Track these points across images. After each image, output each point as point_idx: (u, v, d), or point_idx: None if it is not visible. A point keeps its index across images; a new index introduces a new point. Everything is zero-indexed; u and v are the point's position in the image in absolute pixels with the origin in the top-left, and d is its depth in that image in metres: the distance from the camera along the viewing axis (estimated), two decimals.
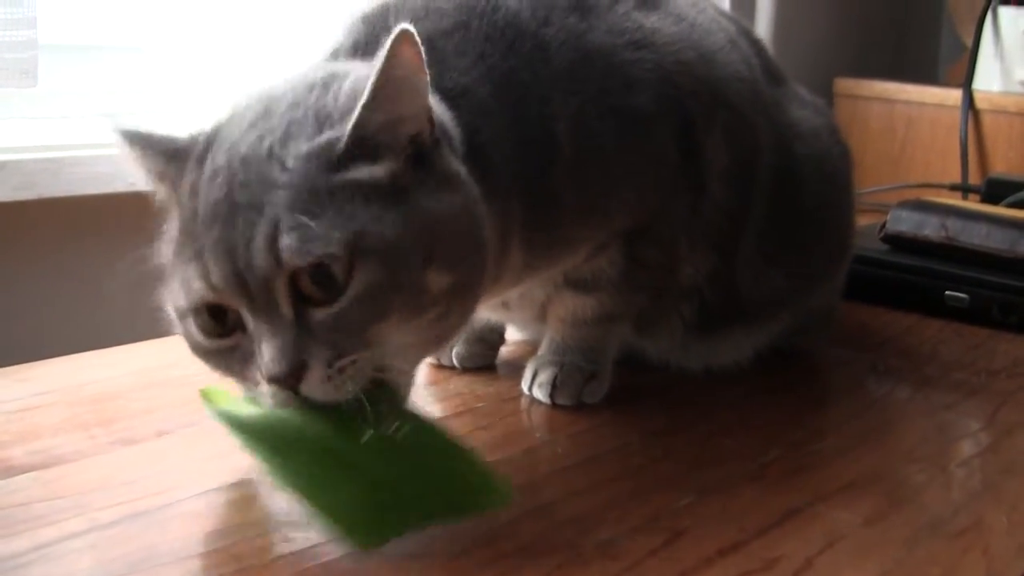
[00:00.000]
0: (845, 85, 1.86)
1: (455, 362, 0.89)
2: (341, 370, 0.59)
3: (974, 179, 1.68)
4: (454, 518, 0.61)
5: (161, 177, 0.65)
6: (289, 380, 0.58)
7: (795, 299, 0.93)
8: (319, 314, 0.59)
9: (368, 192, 0.59)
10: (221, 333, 0.61)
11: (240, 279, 0.58)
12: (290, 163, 0.59)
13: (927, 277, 1.13)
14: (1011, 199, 1.37)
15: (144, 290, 0.65)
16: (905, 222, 1.16)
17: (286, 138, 0.60)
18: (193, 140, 0.65)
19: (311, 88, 0.63)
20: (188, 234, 0.61)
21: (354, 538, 0.58)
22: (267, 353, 0.58)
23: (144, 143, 0.65)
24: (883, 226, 1.19)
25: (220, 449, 0.65)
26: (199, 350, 0.64)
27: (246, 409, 0.63)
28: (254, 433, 0.62)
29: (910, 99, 1.80)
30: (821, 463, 0.77)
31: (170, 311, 0.64)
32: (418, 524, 0.60)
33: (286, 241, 0.57)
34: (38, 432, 0.74)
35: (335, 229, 0.57)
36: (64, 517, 0.62)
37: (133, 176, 0.66)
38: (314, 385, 0.59)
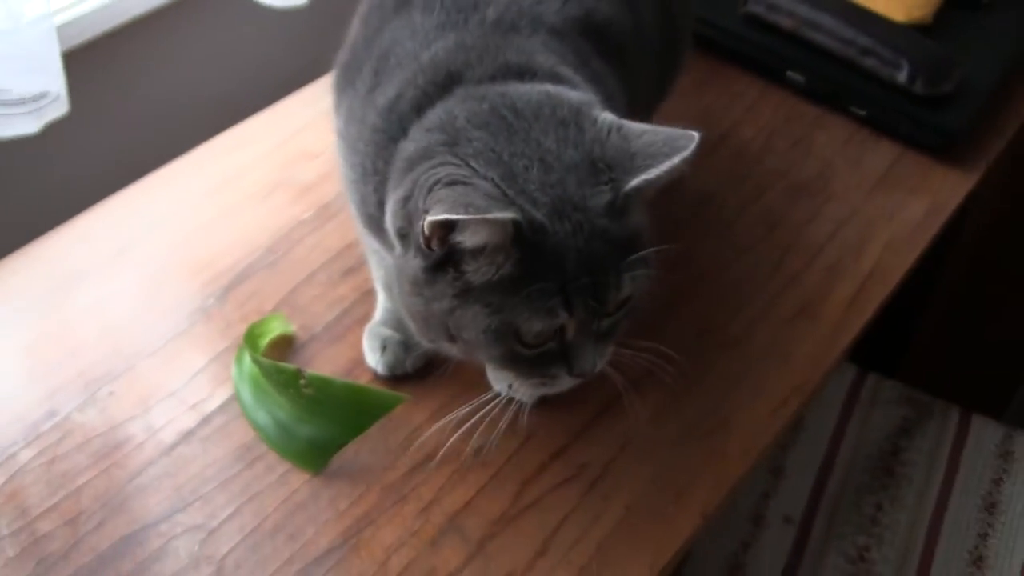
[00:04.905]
0: None
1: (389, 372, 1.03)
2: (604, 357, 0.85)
3: None
4: (367, 425, 0.96)
5: (495, 233, 0.74)
6: (592, 372, 0.83)
7: None
8: (606, 323, 0.82)
9: (640, 234, 0.80)
10: (538, 345, 0.80)
11: (592, 311, 0.79)
12: (603, 212, 0.76)
13: (773, 56, 1.36)
14: None
15: None
16: (762, 4, 1.35)
17: (582, 182, 0.76)
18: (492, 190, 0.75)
19: (564, 125, 0.79)
20: (548, 271, 0.75)
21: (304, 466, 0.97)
22: (590, 357, 0.82)
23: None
24: (747, 1, 1.37)
25: None
26: (509, 358, 0.81)
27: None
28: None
29: None
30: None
31: (478, 333, 0.79)
32: (346, 440, 0.96)
33: (627, 288, 0.79)
34: None
35: (646, 272, 0.80)
36: None
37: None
38: (596, 372, 0.84)
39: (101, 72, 1.19)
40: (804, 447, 1.51)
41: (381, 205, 0.86)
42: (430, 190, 0.76)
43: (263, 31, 1.35)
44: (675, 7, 1.10)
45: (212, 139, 1.27)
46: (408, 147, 0.82)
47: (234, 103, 1.32)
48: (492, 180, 0.76)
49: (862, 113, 1.32)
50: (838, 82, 1.32)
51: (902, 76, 1.27)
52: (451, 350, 0.85)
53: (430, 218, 0.74)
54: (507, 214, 0.73)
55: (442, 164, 0.77)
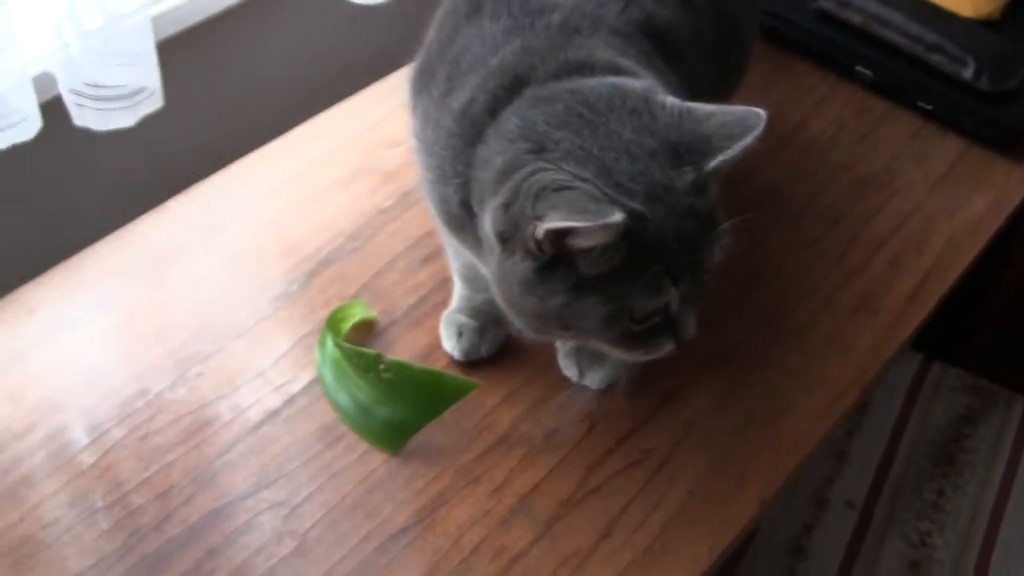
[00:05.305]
0: None
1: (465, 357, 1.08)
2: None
3: None
4: (443, 409, 1.01)
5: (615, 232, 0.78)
6: (692, 336, 0.87)
7: None
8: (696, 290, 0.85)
9: (718, 207, 0.84)
10: (646, 321, 0.84)
11: (696, 285, 0.84)
12: (689, 191, 0.81)
13: (842, 52, 1.38)
14: None
15: None
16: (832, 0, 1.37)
17: (664, 165, 0.81)
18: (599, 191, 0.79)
19: (637, 113, 0.83)
20: (653, 254, 0.80)
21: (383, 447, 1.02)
22: (692, 323, 0.87)
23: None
24: None
25: None
26: (620, 337, 0.85)
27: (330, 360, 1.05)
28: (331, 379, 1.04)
29: None
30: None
31: (595, 320, 0.82)
32: (423, 423, 1.01)
33: (717, 256, 0.84)
34: None
35: (729, 240, 0.84)
36: None
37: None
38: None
39: (190, 62, 1.24)
40: (868, 433, 1.54)
41: (464, 205, 0.89)
42: (537, 197, 0.79)
43: (347, 23, 1.39)
44: (738, 9, 1.12)
45: (296, 127, 1.32)
46: (492, 157, 0.85)
47: (318, 92, 1.37)
48: (589, 181, 0.79)
49: (928, 108, 1.34)
50: (905, 77, 1.34)
51: (968, 72, 1.29)
52: (561, 336, 0.91)
53: (546, 226, 0.77)
54: (619, 216, 0.76)
55: (541, 171, 0.80)
